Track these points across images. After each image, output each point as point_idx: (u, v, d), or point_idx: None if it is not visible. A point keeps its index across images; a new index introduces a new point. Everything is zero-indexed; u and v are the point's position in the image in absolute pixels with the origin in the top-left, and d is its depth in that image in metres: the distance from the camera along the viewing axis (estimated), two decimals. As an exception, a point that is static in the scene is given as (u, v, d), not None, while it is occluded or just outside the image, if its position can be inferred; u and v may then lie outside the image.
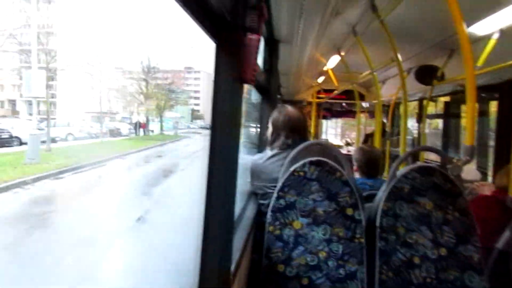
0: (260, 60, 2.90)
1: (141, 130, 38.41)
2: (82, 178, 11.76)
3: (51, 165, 11.69)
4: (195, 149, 22.36)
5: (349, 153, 9.15)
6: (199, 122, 57.74)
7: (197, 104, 72.89)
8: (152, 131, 39.69)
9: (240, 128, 1.28)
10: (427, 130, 6.46)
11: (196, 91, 77.00)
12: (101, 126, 31.84)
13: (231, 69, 1.16)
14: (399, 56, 3.48)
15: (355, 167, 2.75)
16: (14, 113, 43.96)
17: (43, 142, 15.48)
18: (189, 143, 29.90)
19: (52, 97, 46.21)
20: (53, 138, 18.62)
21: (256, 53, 1.20)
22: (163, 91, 42.22)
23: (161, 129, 40.97)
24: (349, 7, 3.09)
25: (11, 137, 17.61)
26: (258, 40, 1.19)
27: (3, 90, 46.15)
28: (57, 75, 39.00)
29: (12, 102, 46.43)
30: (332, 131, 15.01)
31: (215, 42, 1.13)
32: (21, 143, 16.23)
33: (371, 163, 2.73)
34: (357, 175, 2.72)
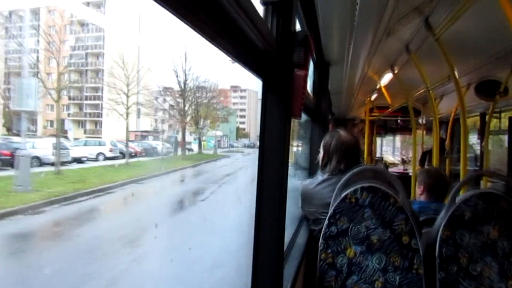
0: (309, 83, 2.91)
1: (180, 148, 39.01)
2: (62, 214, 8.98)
3: (37, 195, 9.42)
4: (230, 171, 21.34)
5: (406, 171, 8.83)
6: (244, 141, 57.78)
7: (242, 123, 73.70)
8: (191, 149, 38.08)
9: (288, 160, 1.28)
10: (490, 147, 6.07)
11: (241, 109, 78.22)
12: (139, 144, 32.15)
13: (278, 105, 1.17)
14: (456, 73, 3.33)
15: (419, 190, 2.64)
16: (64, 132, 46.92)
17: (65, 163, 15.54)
18: (227, 163, 29.05)
19: (98, 116, 48.68)
20: (78, 158, 18.46)
21: (304, 87, 1.21)
22: (206, 109, 40.37)
23: (200, 147, 39.18)
24: (402, 26, 3.02)
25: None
26: (306, 75, 1.20)
27: (53, 110, 49.07)
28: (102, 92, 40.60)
29: (62, 121, 49.55)
30: (389, 149, 14.48)
31: (262, 80, 1.16)
32: (41, 164, 15.08)
33: (438, 185, 2.60)
34: (421, 198, 2.61)
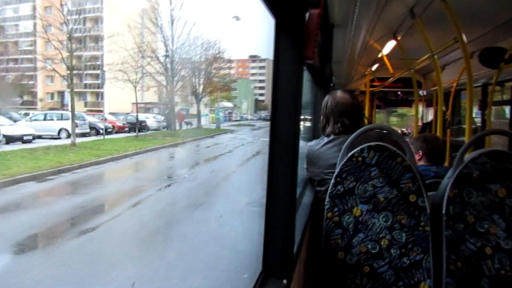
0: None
1: (179, 123, 33.16)
2: None
3: None
4: (216, 153, 17.90)
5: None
6: (263, 113, 55.35)
7: (261, 94, 71.55)
8: (190, 123, 34.70)
9: (301, 107, 1.24)
10: (493, 119, 6.05)
11: (261, 80, 76.25)
12: (123, 117, 28.46)
13: (291, 46, 1.12)
14: (463, 37, 3.26)
15: (418, 156, 2.63)
16: (63, 105, 45.39)
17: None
18: (223, 141, 24.69)
19: (99, 87, 46.56)
20: (18, 137, 15.48)
21: (318, 28, 1.15)
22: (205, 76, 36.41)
23: (199, 121, 35.38)
24: (407, -13, 2.94)
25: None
26: (320, 15, 1.14)
27: (53, 81, 47.61)
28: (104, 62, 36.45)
29: (61, 94, 48.36)
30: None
31: (275, 18, 1.10)
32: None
33: (437, 150, 2.61)
34: (419, 163, 2.60)
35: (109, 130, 25.04)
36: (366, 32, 3.80)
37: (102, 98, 46.59)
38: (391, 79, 7.38)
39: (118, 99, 42.08)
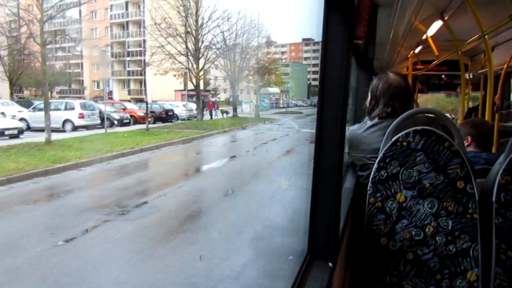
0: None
1: (209, 111, 30.86)
2: None
3: None
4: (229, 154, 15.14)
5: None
6: (316, 99, 53.17)
7: (315, 79, 69.76)
8: (227, 112, 32.03)
9: (349, 89, 1.22)
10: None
11: (314, 65, 74.35)
12: (148, 106, 24.77)
13: (341, 23, 1.09)
14: None
15: (466, 142, 2.53)
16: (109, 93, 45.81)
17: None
18: (252, 134, 22.06)
19: (141, 74, 45.80)
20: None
21: (369, 7, 1.12)
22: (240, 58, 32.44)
23: (235, 109, 32.38)
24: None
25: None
26: None
27: (98, 69, 47.98)
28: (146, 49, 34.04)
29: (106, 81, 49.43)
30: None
31: None
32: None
33: (487, 135, 2.50)
34: (467, 150, 2.50)
35: (125, 121, 22.89)
36: (411, 13, 3.65)
37: (144, 86, 47.51)
38: (435, 62, 7.08)
39: (161, 87, 42.42)
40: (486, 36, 3.94)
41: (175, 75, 30.26)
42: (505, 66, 5.57)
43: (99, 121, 20.25)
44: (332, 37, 1.11)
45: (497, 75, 6.04)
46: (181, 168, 12.63)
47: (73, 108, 20.13)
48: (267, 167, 12.39)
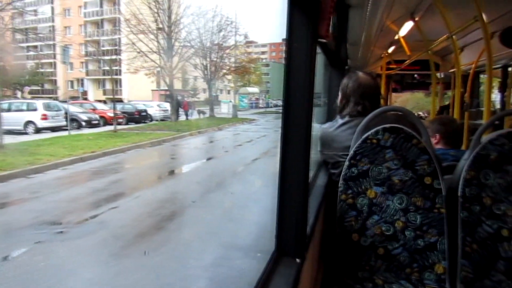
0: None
1: (185, 112, 29.77)
2: None
3: None
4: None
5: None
6: None
7: None
8: (204, 112, 31.09)
9: (314, 87, 1.24)
10: (512, 101, 5.90)
11: None
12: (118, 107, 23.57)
13: (305, 23, 1.11)
14: (484, 16, 3.17)
15: (435, 139, 2.59)
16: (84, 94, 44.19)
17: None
18: (228, 136, 20.89)
19: (117, 74, 44.32)
20: None
21: (332, 7, 1.14)
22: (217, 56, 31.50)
23: (212, 109, 31.44)
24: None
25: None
26: None
27: (73, 69, 46.52)
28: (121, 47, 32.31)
29: (81, 82, 48.04)
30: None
31: None
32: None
33: (455, 133, 2.57)
34: (436, 147, 2.57)
35: (94, 122, 21.74)
36: (383, 13, 3.72)
37: (121, 86, 46.47)
38: (408, 61, 7.25)
39: (137, 86, 41.51)
40: (454, 37, 4.06)
41: (146, 74, 29.34)
42: (474, 65, 5.76)
43: (64, 123, 18.98)
44: (296, 36, 1.12)
45: (467, 74, 6.24)
46: (143, 175, 11.44)
47: (35, 109, 18.75)
48: (239, 173, 11.38)
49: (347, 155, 2.00)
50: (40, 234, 5.97)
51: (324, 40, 1.18)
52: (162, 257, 5.14)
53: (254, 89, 44.97)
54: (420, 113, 10.98)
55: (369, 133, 1.95)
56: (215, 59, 31.08)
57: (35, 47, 48.32)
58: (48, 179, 9.97)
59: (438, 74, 7.84)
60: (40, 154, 12.06)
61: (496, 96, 6.99)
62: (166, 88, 28.99)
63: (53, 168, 10.93)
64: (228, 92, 49.21)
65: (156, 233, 6.09)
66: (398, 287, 1.90)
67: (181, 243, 5.70)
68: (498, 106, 6.68)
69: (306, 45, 1.14)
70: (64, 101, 22.54)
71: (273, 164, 12.51)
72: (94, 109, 24.35)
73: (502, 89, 5.99)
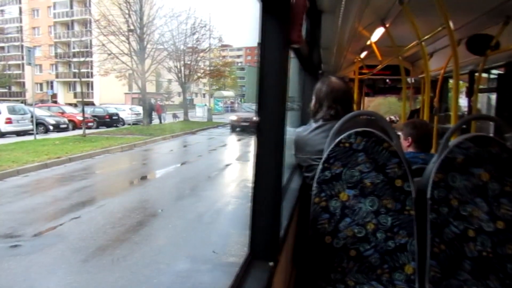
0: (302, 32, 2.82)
1: (158, 115, 29.20)
2: None
3: None
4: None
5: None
6: None
7: None
8: (177, 116, 30.80)
9: (286, 92, 1.25)
10: (479, 105, 6.12)
11: None
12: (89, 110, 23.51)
13: (277, 29, 1.12)
14: (451, 24, 3.28)
15: (407, 142, 2.66)
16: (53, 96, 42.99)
17: None
18: (201, 140, 20.45)
19: (88, 76, 43.49)
20: None
21: (303, 12, 1.16)
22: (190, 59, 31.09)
23: (185, 113, 30.88)
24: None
25: None
26: None
27: (42, 71, 45.31)
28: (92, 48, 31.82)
29: (50, 84, 46.62)
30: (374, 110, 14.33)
31: (261, 1, 1.10)
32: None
33: (426, 136, 2.65)
34: (408, 150, 2.64)
35: (62, 126, 21.31)
36: (354, 19, 3.80)
37: (92, 88, 45.36)
38: (380, 66, 7.41)
39: (110, 89, 40.64)
40: (423, 43, 4.18)
41: (117, 76, 28.64)
42: (442, 71, 5.95)
43: (31, 126, 18.23)
44: (269, 41, 1.14)
45: (436, 80, 6.43)
46: (109, 182, 10.90)
47: None
48: (210, 178, 11.05)
49: (321, 158, 2.02)
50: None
51: (296, 46, 1.19)
52: (122, 272, 4.86)
53: (229, 93, 44.81)
54: (392, 117, 11.24)
55: (342, 136, 1.98)
56: (189, 62, 30.73)
57: (2, 48, 46.80)
58: (7, 187, 9.37)
59: (408, 79, 8.05)
60: (0, 160, 11.50)
61: (463, 101, 7.23)
62: (139, 91, 28.41)
63: (14, 175, 10.41)
64: (203, 95, 48.94)
65: (116, 247, 5.69)
66: None
67: (146, 256, 5.38)
68: (465, 110, 6.92)
69: (278, 49, 1.15)
70: (31, 104, 21.82)
71: (246, 169, 12.51)
72: (62, 113, 23.72)
73: (469, 94, 6.20)
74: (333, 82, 2.32)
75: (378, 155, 1.96)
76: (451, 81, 7.09)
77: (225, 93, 43.39)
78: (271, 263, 1.25)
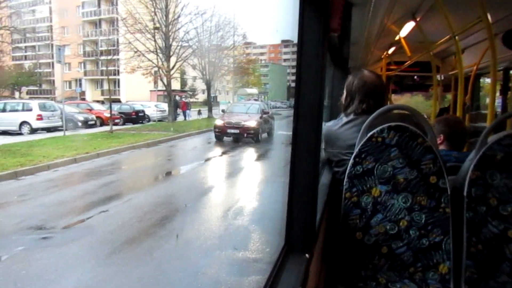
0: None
1: (183, 112, 29.40)
2: None
3: None
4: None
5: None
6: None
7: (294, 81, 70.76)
8: (201, 113, 30.80)
9: (324, 80, 1.21)
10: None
11: (293, 67, 75.58)
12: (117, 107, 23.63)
13: (316, 15, 1.09)
14: (489, 16, 3.15)
15: (439, 140, 2.57)
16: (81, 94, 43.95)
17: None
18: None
19: (115, 74, 44.38)
20: None
21: (342, 3, 1.12)
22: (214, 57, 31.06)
23: (210, 110, 30.77)
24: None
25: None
26: None
27: (70, 69, 46.40)
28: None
29: (79, 82, 47.73)
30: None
31: None
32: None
33: (459, 134, 2.56)
34: (440, 148, 2.55)
35: (90, 122, 21.46)
36: (384, 13, 3.72)
37: (119, 86, 46.27)
38: (408, 62, 7.24)
39: (136, 87, 41.31)
40: (456, 38, 4.04)
41: (143, 74, 28.87)
42: (475, 68, 5.75)
43: (60, 123, 18.68)
44: (307, 29, 1.10)
45: (467, 77, 6.23)
46: (135, 177, 11.01)
47: (30, 109, 18.53)
48: (236, 175, 11.24)
49: (352, 153, 1.97)
50: (23, 240, 5.76)
51: (335, 34, 1.16)
52: (150, 266, 4.94)
53: (253, 90, 44.89)
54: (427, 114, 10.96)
55: (374, 131, 1.93)
56: (213, 60, 30.84)
57: (33, 47, 48.22)
58: (38, 181, 9.64)
59: (438, 76, 7.84)
60: (32, 155, 11.86)
61: (496, 99, 6.98)
62: (164, 88, 28.75)
63: (45, 170, 10.68)
64: (227, 93, 49.19)
65: (143, 240, 5.84)
66: (401, 286, 1.87)
67: (170, 249, 5.47)
68: (498, 109, 6.67)
69: (317, 37, 1.12)
70: (60, 102, 22.42)
71: (269, 165, 12.67)
72: (90, 110, 24.19)
73: (504, 91, 5.98)
74: (366, 75, 2.26)
75: (412, 151, 1.90)
76: (482, 79, 6.86)
77: (249, 90, 43.39)
78: (307, 255, 1.23)
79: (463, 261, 1.82)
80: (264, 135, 18.72)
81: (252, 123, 17.09)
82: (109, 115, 20.65)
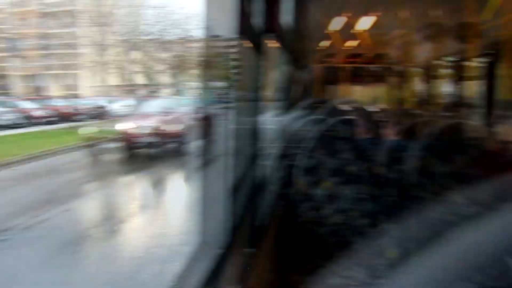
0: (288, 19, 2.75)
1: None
2: None
3: None
4: None
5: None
6: None
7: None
8: None
9: (263, 79, 1.22)
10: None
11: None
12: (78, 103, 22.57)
13: (254, 15, 1.09)
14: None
15: (394, 131, 2.66)
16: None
17: None
18: None
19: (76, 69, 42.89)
20: None
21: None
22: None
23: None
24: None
25: None
26: None
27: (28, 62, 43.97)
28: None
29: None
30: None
31: None
32: None
33: (412, 125, 2.66)
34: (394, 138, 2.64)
35: (46, 119, 20.67)
36: (341, 4, 3.75)
37: (78, 81, 44.55)
38: (365, 55, 7.36)
39: (98, 82, 39.84)
40: (411, 31, 4.15)
41: (105, 69, 28.37)
42: (429, 60, 5.93)
43: (12, 121, 17.99)
44: (245, 29, 1.10)
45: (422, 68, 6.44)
46: None
47: None
48: None
49: (304, 146, 2.01)
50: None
51: (278, 34, 1.17)
52: None
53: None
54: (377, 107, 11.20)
55: (325, 125, 1.97)
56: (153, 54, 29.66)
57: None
58: None
59: (394, 68, 8.02)
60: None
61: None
62: (129, 83, 27.94)
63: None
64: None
65: None
66: (353, 274, 1.93)
67: None
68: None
69: (255, 37, 1.12)
70: (16, 97, 21.23)
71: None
72: (51, 105, 23.17)
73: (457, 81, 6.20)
74: (317, 70, 2.30)
75: (361, 143, 1.96)
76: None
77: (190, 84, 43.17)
78: (252, 250, 1.23)
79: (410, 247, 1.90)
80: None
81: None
82: (67, 110, 19.86)
